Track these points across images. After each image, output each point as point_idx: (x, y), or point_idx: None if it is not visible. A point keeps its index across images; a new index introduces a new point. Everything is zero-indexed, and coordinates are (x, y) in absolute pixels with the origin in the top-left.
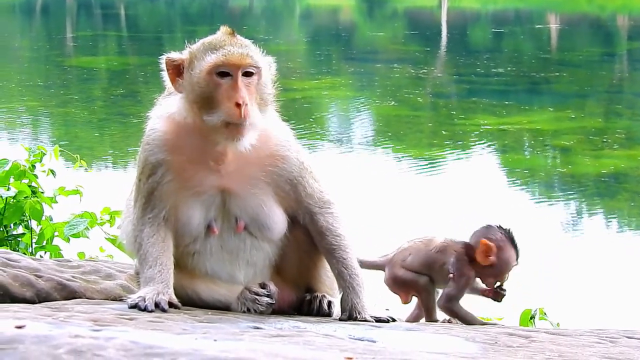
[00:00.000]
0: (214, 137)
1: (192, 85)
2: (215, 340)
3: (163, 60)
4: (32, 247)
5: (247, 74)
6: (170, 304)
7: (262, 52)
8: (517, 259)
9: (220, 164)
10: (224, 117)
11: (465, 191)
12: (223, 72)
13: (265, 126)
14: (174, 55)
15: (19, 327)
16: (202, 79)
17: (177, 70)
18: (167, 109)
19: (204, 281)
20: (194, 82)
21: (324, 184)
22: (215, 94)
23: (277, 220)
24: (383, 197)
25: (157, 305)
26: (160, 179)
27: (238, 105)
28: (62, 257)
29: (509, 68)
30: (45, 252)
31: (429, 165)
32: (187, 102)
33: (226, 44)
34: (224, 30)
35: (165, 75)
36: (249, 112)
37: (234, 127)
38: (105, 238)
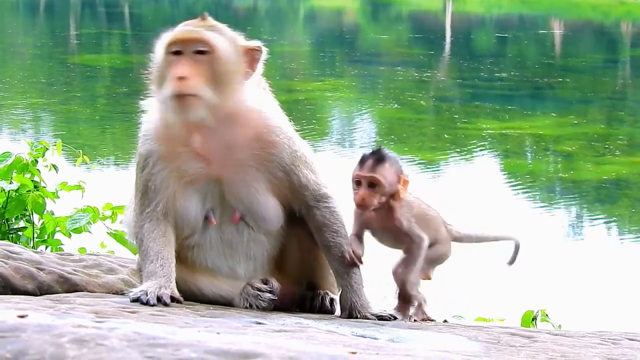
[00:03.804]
0: (170, 115)
1: (154, 67)
2: (218, 333)
3: None
4: (33, 241)
5: (200, 52)
6: (173, 298)
7: (241, 37)
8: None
9: (203, 148)
10: (168, 91)
11: (467, 195)
12: (177, 50)
13: (243, 108)
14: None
15: (21, 317)
16: (160, 59)
17: None
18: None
19: (206, 276)
20: (156, 64)
21: (321, 177)
22: (163, 71)
23: (272, 210)
24: None
25: (159, 299)
26: (152, 170)
27: (179, 78)
28: (63, 251)
29: (512, 73)
30: (46, 247)
31: (430, 169)
32: (153, 86)
33: (183, 25)
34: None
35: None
36: (190, 85)
37: (178, 99)
38: (107, 233)
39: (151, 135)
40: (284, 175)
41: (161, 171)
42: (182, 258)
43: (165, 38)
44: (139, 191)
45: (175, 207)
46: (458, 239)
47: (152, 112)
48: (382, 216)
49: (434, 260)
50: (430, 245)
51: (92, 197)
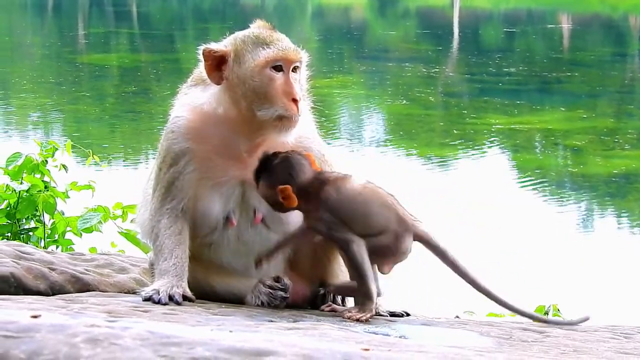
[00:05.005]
0: (263, 130)
1: (243, 78)
2: (231, 331)
3: (201, 50)
4: (44, 241)
5: (294, 69)
6: (184, 297)
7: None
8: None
9: (251, 156)
10: (280, 112)
11: (476, 190)
12: (277, 66)
13: None
14: (215, 46)
15: (35, 317)
16: (256, 72)
17: (216, 62)
18: (193, 99)
19: (218, 274)
20: (245, 75)
21: None
22: (269, 88)
23: (294, 214)
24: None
25: (171, 298)
26: (182, 169)
27: (295, 100)
28: (74, 251)
29: (520, 68)
30: (57, 247)
31: (440, 165)
32: (231, 94)
33: (275, 39)
34: (263, 24)
35: (202, 66)
36: (301, 108)
37: (287, 120)
38: (119, 232)
39: (186, 134)
40: None
41: (192, 172)
42: (196, 256)
43: (267, 53)
44: (161, 186)
45: (196, 207)
46: (421, 238)
47: (191, 110)
48: (305, 219)
49: (385, 254)
50: (380, 235)
51: (102, 197)
